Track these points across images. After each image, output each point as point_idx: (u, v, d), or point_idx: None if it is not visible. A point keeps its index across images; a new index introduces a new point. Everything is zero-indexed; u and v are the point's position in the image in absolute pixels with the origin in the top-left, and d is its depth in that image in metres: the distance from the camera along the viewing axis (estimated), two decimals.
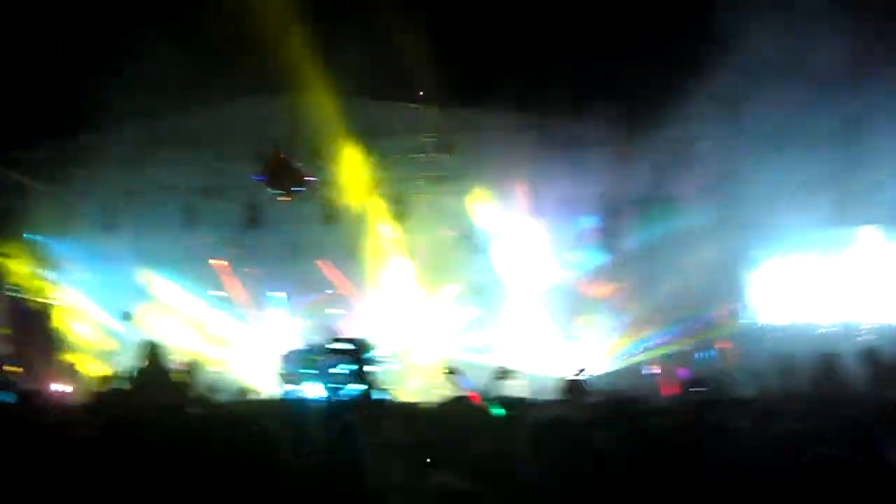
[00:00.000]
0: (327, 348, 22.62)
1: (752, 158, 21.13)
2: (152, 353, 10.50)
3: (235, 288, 27.49)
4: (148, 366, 10.56)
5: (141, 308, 27.44)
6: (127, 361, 21.41)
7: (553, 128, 22.51)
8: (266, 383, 23.84)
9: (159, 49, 18.43)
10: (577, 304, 25.19)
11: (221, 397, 16.01)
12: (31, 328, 25.75)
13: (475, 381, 13.95)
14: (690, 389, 12.55)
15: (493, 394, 10.74)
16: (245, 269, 28.05)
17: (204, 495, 3.27)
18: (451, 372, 16.27)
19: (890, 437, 5.66)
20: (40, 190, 25.28)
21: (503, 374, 11.10)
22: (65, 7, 20.28)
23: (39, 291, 26.63)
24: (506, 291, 25.15)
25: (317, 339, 24.94)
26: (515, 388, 12.17)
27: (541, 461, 3.96)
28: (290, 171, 19.79)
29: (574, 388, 10.72)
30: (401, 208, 24.16)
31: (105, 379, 15.27)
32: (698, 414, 6.94)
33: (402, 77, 20.76)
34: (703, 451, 5.28)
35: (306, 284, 28.91)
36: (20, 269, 25.97)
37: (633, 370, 22.26)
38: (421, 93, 22.36)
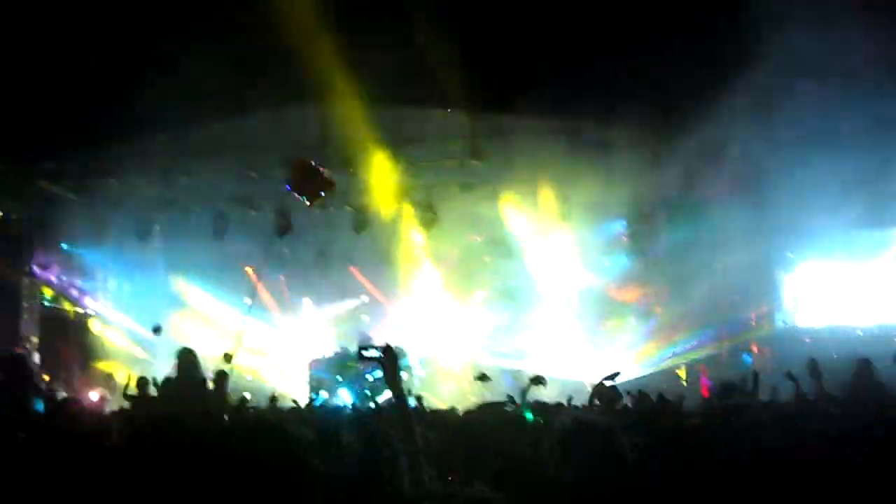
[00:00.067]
0: (357, 355, 22.54)
1: (785, 160, 20.99)
2: (186, 360, 10.52)
3: (267, 295, 27.59)
4: (181, 373, 10.58)
5: (174, 316, 27.63)
6: (160, 369, 21.64)
7: (583, 132, 22.44)
8: (297, 390, 23.91)
9: (191, 59, 18.52)
10: (608, 309, 25.13)
11: (252, 405, 16.09)
12: (66, 337, 25.93)
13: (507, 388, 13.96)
14: (721, 393, 12.46)
15: (526, 399, 10.69)
16: (276, 277, 28.17)
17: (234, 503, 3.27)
18: (482, 378, 16.24)
19: None
20: (74, 200, 25.45)
21: (535, 380, 11.05)
22: (98, 18, 20.41)
23: (73, 301, 26.83)
24: (536, 296, 25.09)
25: (347, 345, 25.04)
26: (546, 393, 12.12)
27: (566, 466, 3.93)
28: (317, 177, 19.79)
29: (605, 393, 10.64)
30: (431, 215, 24.14)
31: (139, 387, 15.32)
32: (726, 418, 6.88)
33: (432, 83, 20.75)
34: (730, 455, 5.24)
35: (337, 291, 29.01)
36: (56, 279, 26.18)
37: (664, 374, 22.13)
38: (450, 99, 22.34)
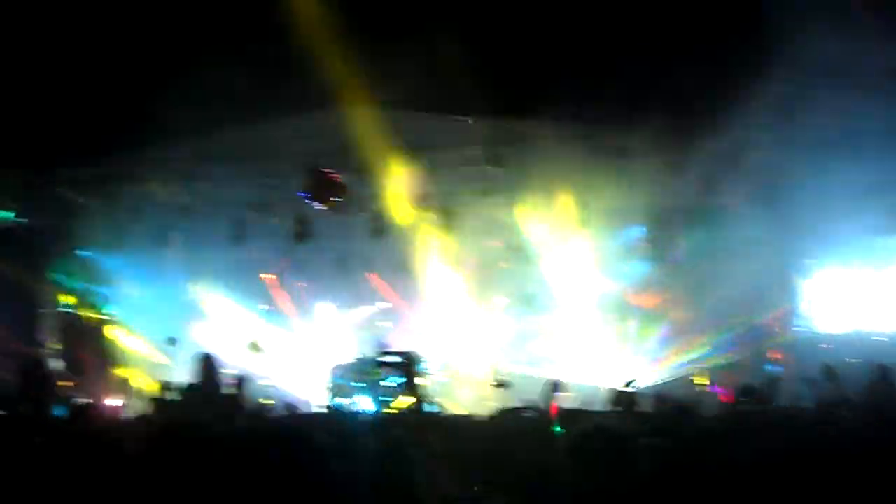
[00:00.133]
0: (377, 361, 22.66)
1: (805, 166, 20.91)
2: (205, 366, 10.55)
3: (285, 301, 27.63)
4: (200, 379, 10.60)
5: (192, 324, 27.72)
6: (179, 375, 21.69)
7: (601, 138, 22.42)
8: (316, 396, 23.92)
9: (209, 65, 18.58)
10: (626, 315, 25.05)
11: (271, 410, 16.11)
12: (84, 343, 26.01)
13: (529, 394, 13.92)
14: (741, 398, 12.43)
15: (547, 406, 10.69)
16: (295, 283, 28.21)
17: None
18: (501, 385, 16.24)
19: None
20: (93, 206, 25.55)
21: (555, 386, 11.04)
22: (118, 25, 20.50)
23: (92, 307, 26.92)
24: (555, 302, 25.05)
25: (366, 352, 25.04)
26: (566, 400, 12.10)
27: (583, 473, 3.92)
28: (329, 182, 19.88)
29: (624, 400, 10.63)
30: (449, 220, 24.13)
31: (158, 392, 15.39)
32: (744, 422, 6.85)
33: (450, 89, 20.76)
34: (747, 459, 5.22)
35: (355, 297, 29.02)
36: (73, 285, 26.28)
37: (683, 381, 22.05)
38: (469, 105, 22.34)
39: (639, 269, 25.30)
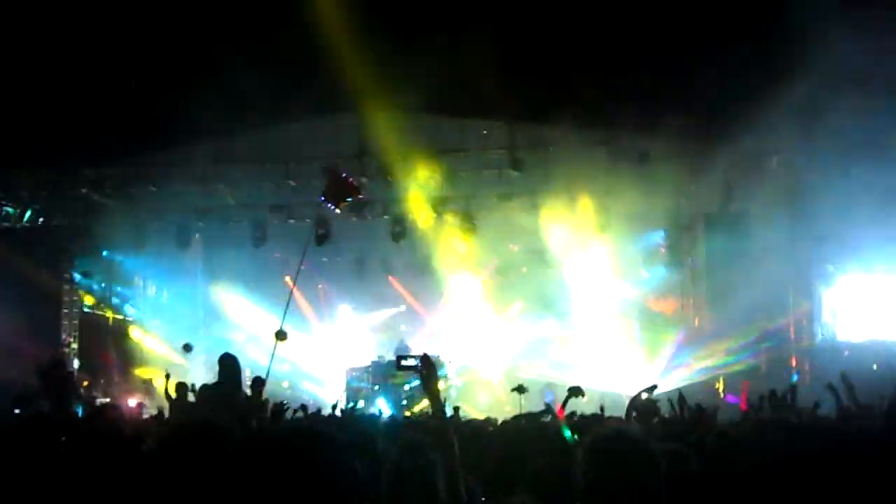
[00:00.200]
0: (396, 364, 22.66)
1: (827, 171, 20.81)
2: (227, 365, 10.55)
3: (305, 303, 27.68)
4: (221, 378, 10.61)
5: (212, 324, 27.84)
6: (198, 375, 21.72)
7: (622, 143, 22.39)
8: (334, 398, 23.98)
9: (232, 68, 18.64)
10: (646, 320, 25.00)
11: (289, 412, 16.12)
12: (105, 343, 26.10)
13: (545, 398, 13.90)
14: (759, 405, 12.35)
15: (567, 411, 10.66)
16: (315, 286, 28.29)
17: None
18: (519, 390, 16.21)
19: None
20: (115, 207, 25.64)
21: (573, 391, 11.00)
22: (141, 28, 20.60)
23: (113, 307, 27.02)
24: (574, 307, 25.00)
25: (385, 354, 25.08)
26: (585, 405, 12.07)
27: (598, 479, 3.90)
28: (344, 185, 19.90)
29: (642, 406, 10.56)
30: (470, 224, 24.11)
31: (178, 391, 15.41)
32: (762, 432, 6.80)
33: (472, 94, 20.77)
34: (765, 469, 5.19)
35: (375, 300, 29.09)
36: (94, 285, 26.38)
37: (701, 386, 21.95)
38: (490, 109, 22.35)
39: (659, 274, 25.26)
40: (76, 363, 24.42)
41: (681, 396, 11.22)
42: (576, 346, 24.70)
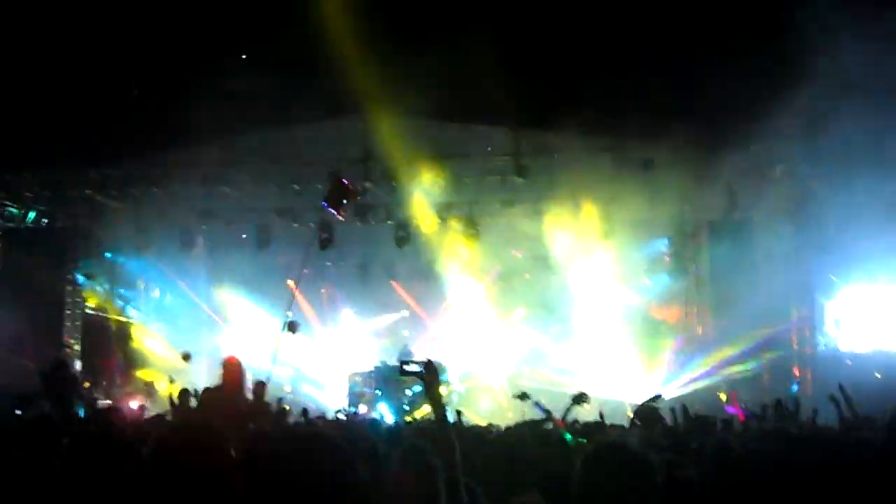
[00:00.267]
0: (399, 369, 22.44)
1: (831, 181, 20.80)
2: (230, 369, 10.52)
3: (308, 307, 27.66)
4: (224, 382, 10.59)
5: (214, 327, 27.85)
6: (200, 379, 21.72)
7: (627, 150, 22.39)
8: (336, 403, 23.95)
9: (236, 71, 18.67)
10: (649, 328, 24.97)
11: (292, 416, 16.12)
12: (107, 345, 26.11)
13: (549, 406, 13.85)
14: (762, 415, 12.34)
15: (570, 418, 10.65)
16: (318, 290, 28.28)
17: None
18: (522, 397, 16.17)
19: None
20: (119, 209, 25.67)
21: (577, 398, 10.99)
22: (145, 30, 20.63)
23: (116, 309, 27.03)
24: (577, 314, 24.97)
25: (387, 359, 25.05)
26: (589, 412, 12.05)
27: (595, 489, 3.89)
28: (346, 190, 19.95)
29: (646, 415, 10.56)
30: (474, 230, 24.11)
31: (180, 398, 15.39)
32: (762, 442, 6.78)
33: (477, 100, 20.78)
34: (763, 479, 5.18)
35: (378, 305, 29.07)
36: (98, 286, 26.39)
37: (703, 395, 21.91)
38: (494, 115, 22.36)
39: (662, 282, 25.24)
40: (78, 364, 24.43)
41: (683, 407, 11.22)
42: (578, 352, 24.65)
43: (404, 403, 23.04)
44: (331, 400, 25.17)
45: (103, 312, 26.41)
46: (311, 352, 27.97)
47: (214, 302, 28.36)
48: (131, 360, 26.30)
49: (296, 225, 24.49)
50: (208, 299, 28.32)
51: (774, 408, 11.58)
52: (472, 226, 24.08)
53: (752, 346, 21.75)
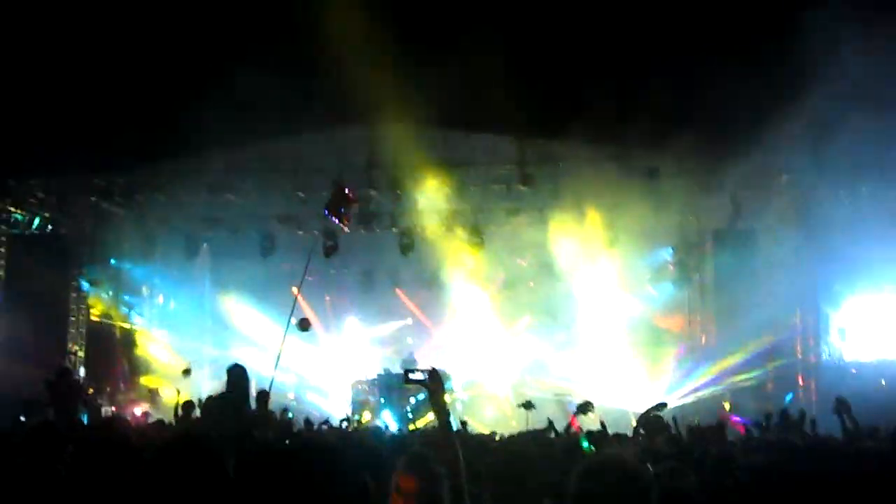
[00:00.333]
0: (403, 377, 22.37)
1: (836, 190, 20.81)
2: (235, 376, 10.50)
3: (312, 315, 27.65)
4: (227, 390, 10.57)
5: (219, 335, 27.86)
6: (204, 386, 21.73)
7: (632, 159, 22.39)
8: (339, 410, 23.92)
9: (242, 79, 18.69)
10: (653, 337, 24.95)
11: (296, 425, 16.13)
12: (111, 351, 26.10)
13: (553, 415, 13.85)
14: (766, 425, 12.34)
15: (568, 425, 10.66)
16: (322, 298, 28.29)
17: None
18: (527, 406, 16.17)
19: None
20: (124, 216, 25.69)
21: (583, 407, 10.99)
22: (151, 39, 20.68)
23: (120, 316, 27.02)
24: (581, 323, 24.95)
25: (391, 367, 25.04)
26: (593, 421, 12.02)
27: (590, 501, 3.87)
28: (346, 199, 19.99)
29: (650, 423, 10.54)
30: (478, 238, 24.12)
31: (184, 410, 15.38)
32: (764, 453, 6.78)
33: (482, 108, 20.80)
34: (763, 489, 5.18)
35: (382, 313, 29.07)
36: (103, 294, 26.38)
37: (707, 404, 21.89)
38: (499, 124, 22.37)
39: (666, 291, 25.23)
40: (82, 371, 24.43)
41: (685, 419, 11.23)
42: (582, 361, 24.63)
43: (408, 411, 23.02)
44: (334, 407, 25.14)
45: (108, 319, 26.39)
46: (315, 359, 27.97)
47: (219, 309, 28.37)
48: (135, 367, 26.29)
49: (300, 233, 24.49)
50: (213, 306, 28.34)
51: (783, 418, 11.58)
52: (477, 234, 24.08)
53: (755, 355, 21.73)
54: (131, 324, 27.31)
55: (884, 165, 19.48)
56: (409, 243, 24.49)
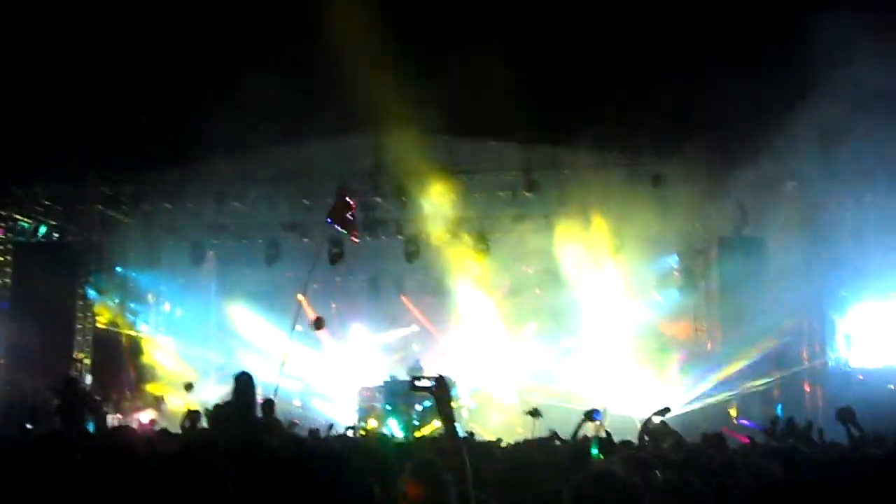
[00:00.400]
0: (410, 384, 22.32)
1: (841, 198, 20.79)
2: (242, 384, 10.48)
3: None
4: (234, 398, 10.56)
5: (225, 342, 27.89)
6: (210, 393, 21.74)
7: (637, 166, 22.40)
8: (345, 418, 23.91)
9: (248, 86, 18.72)
10: (659, 343, 24.94)
11: (302, 432, 16.11)
12: (118, 359, 26.10)
13: (559, 422, 13.82)
14: (770, 431, 12.31)
15: (581, 434, 10.63)
16: (328, 304, 28.28)
17: None
18: (534, 413, 16.13)
19: None
20: (130, 224, 25.73)
21: (588, 414, 10.96)
22: (157, 47, 20.72)
23: (127, 323, 27.03)
24: (588, 330, 24.94)
25: (397, 374, 25.04)
26: (600, 429, 11.98)
27: None
28: (346, 207, 20.04)
29: (654, 429, 10.52)
30: (484, 245, 24.12)
31: (191, 421, 15.35)
32: (768, 461, 6.76)
33: (488, 115, 20.81)
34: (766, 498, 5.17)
35: (388, 320, 29.08)
36: (110, 301, 26.39)
37: (713, 410, 21.85)
38: (505, 131, 22.38)
39: (672, 298, 25.20)
40: (89, 379, 24.43)
41: (691, 426, 11.20)
42: (588, 368, 24.62)
43: (414, 419, 23.01)
44: (340, 414, 25.12)
45: (114, 327, 26.39)
46: (321, 366, 27.99)
47: (224, 316, 28.41)
48: (142, 375, 26.31)
49: (306, 240, 24.49)
50: (218, 314, 28.38)
51: (790, 426, 11.56)
52: (483, 241, 24.08)
53: (761, 362, 21.69)
54: (137, 331, 27.31)
55: (890, 172, 19.45)
56: (414, 250, 24.50)
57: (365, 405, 24.62)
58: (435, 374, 5.23)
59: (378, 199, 23.97)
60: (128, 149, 21.90)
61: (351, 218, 20.84)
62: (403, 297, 28.56)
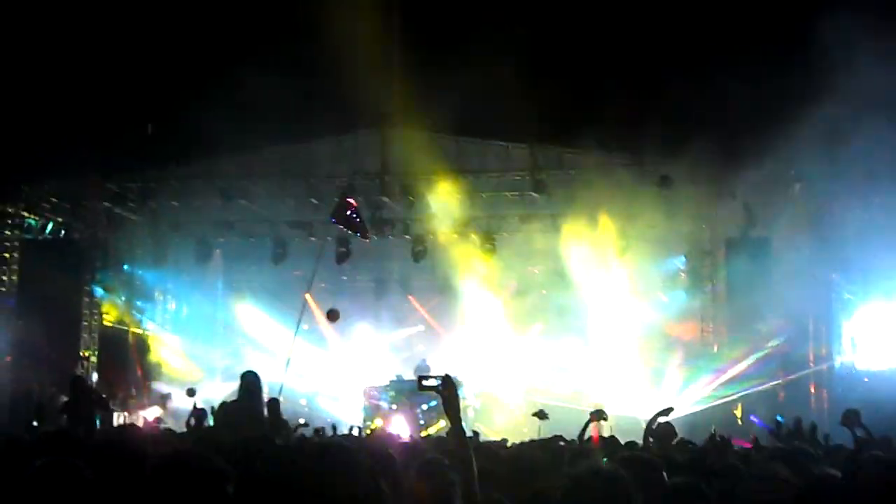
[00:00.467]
0: (417, 384, 22.24)
1: (848, 199, 20.74)
2: (248, 383, 10.50)
3: (324, 322, 27.67)
4: (241, 396, 10.57)
5: (232, 339, 27.91)
6: (216, 390, 21.75)
7: (644, 167, 22.37)
8: (352, 417, 23.92)
9: (255, 84, 18.73)
10: (665, 344, 24.89)
11: (307, 431, 16.12)
12: (124, 356, 26.14)
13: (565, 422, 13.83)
14: (775, 433, 12.30)
15: (587, 435, 10.62)
16: (334, 304, 28.28)
17: None
18: (540, 415, 16.12)
19: None
20: (136, 221, 25.74)
21: (597, 415, 10.96)
22: (164, 44, 20.75)
23: (133, 321, 27.06)
24: (594, 330, 24.91)
25: (403, 374, 25.04)
26: (605, 428, 11.97)
27: None
28: (350, 208, 20.07)
29: (658, 429, 10.50)
30: (491, 245, 24.10)
31: (196, 420, 15.39)
32: (773, 463, 6.73)
33: (495, 115, 20.83)
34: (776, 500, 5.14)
35: (394, 319, 29.07)
36: (116, 299, 26.42)
37: (718, 411, 21.83)
38: (513, 131, 22.39)
39: (678, 299, 25.16)
40: (95, 376, 24.46)
41: (695, 427, 11.19)
42: (594, 368, 24.61)
43: (420, 418, 23.02)
44: (346, 413, 25.12)
45: (121, 324, 26.44)
46: (328, 366, 27.99)
47: (231, 314, 28.45)
48: (148, 372, 26.36)
49: (313, 238, 24.48)
50: (225, 312, 28.41)
51: (796, 427, 11.55)
52: (489, 241, 24.07)
53: (767, 363, 21.68)
54: (144, 329, 27.36)
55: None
56: (421, 250, 24.49)
57: (371, 404, 24.63)
58: (442, 374, 5.23)
59: (385, 199, 23.97)
60: (135, 147, 21.94)
61: (354, 217, 20.87)
62: (410, 297, 28.56)
